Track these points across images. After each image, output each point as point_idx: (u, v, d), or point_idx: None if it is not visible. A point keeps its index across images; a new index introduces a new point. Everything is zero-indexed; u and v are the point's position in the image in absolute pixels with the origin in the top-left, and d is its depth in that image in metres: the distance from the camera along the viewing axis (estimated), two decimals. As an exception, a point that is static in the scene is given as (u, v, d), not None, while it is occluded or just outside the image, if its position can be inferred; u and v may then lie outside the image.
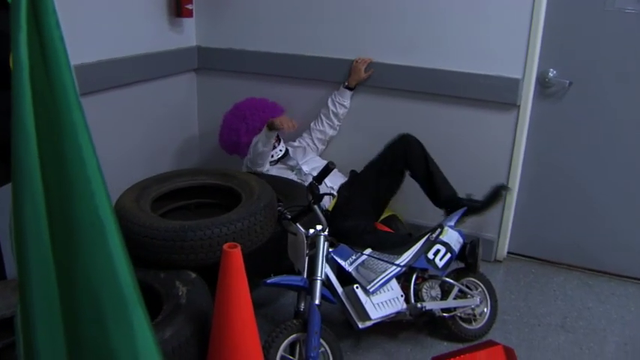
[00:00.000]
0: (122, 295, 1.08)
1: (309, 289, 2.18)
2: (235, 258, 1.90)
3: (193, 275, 2.21)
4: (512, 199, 3.14)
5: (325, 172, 2.35)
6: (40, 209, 1.04)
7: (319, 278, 2.18)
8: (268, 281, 2.18)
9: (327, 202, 3.02)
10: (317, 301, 2.14)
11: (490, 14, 2.90)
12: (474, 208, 2.74)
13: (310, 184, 2.36)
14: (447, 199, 2.77)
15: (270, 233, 2.39)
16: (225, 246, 1.90)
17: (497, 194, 2.73)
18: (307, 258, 2.26)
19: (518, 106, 2.97)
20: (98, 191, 1.05)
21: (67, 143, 1.02)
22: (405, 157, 2.79)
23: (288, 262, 2.45)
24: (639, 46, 2.78)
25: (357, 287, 2.29)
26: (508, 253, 3.26)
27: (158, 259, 2.21)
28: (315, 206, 2.31)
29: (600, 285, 3.05)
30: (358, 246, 2.47)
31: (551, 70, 2.94)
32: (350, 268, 2.34)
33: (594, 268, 3.16)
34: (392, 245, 2.57)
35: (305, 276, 2.23)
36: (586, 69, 2.90)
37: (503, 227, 3.20)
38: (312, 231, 2.28)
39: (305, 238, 2.27)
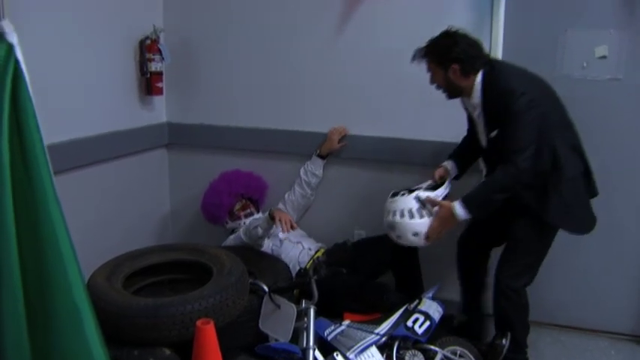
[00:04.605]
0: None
1: (302, 358, 2.23)
2: (209, 334, 1.92)
3: (168, 352, 2.20)
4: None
5: (342, 250, 2.57)
6: (17, 296, 1.07)
7: (312, 347, 2.24)
8: (273, 345, 2.25)
9: (305, 260, 3.07)
10: None
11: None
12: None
13: (318, 262, 2.52)
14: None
15: (242, 307, 2.41)
16: (198, 322, 1.92)
17: None
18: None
19: (481, 171, 3.08)
20: (75, 281, 1.09)
21: (45, 237, 1.07)
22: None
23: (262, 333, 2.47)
24: (586, 108, 2.93)
25: (337, 354, 2.31)
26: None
27: (132, 337, 2.20)
28: (312, 281, 2.41)
29: (572, 341, 3.09)
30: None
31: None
32: (330, 337, 2.38)
33: (566, 324, 3.20)
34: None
35: None
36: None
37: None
38: (304, 304, 2.37)
39: (295, 311, 2.32)
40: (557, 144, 2.44)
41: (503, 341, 2.57)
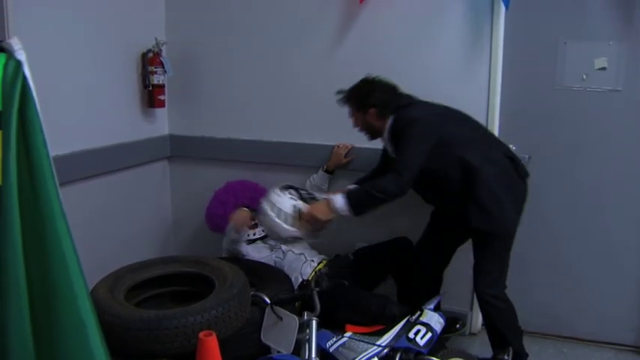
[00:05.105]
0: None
1: None
2: (211, 346, 1.93)
3: (169, 364, 2.20)
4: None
5: (343, 262, 2.64)
6: (24, 310, 1.08)
7: (314, 359, 2.25)
8: (275, 357, 2.27)
9: (308, 271, 3.06)
10: None
11: (452, 100, 3.04)
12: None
13: (320, 275, 2.54)
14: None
15: (244, 319, 2.41)
16: (201, 334, 1.93)
17: None
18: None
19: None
20: (81, 295, 1.10)
21: (51, 251, 1.09)
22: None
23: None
24: (586, 119, 2.98)
25: (339, 366, 2.32)
26: (482, 325, 3.29)
27: (134, 350, 2.20)
28: (314, 292, 2.42)
29: (575, 352, 3.09)
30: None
31: (511, 146, 3.07)
32: (332, 349, 2.39)
33: (568, 336, 3.20)
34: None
35: None
36: (542, 143, 3.06)
37: (475, 300, 3.23)
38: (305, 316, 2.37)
39: (297, 323, 2.32)
40: (467, 156, 2.58)
41: (505, 357, 2.58)
